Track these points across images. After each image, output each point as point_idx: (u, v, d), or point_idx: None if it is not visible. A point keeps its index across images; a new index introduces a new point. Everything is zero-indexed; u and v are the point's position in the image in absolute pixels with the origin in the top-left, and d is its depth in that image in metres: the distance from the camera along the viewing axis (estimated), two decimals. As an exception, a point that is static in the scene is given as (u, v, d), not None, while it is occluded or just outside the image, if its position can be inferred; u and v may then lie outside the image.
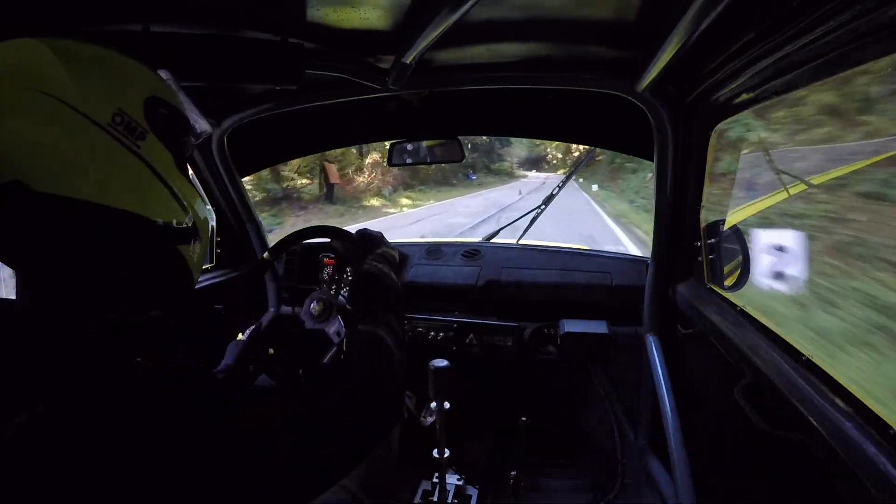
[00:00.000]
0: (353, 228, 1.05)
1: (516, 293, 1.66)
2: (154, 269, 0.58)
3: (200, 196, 0.64)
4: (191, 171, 1.55)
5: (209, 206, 1.73)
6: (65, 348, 0.44)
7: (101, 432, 0.40)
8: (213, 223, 0.59)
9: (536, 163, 49.21)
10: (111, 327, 0.51)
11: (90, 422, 0.40)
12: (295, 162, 12.77)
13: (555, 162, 45.67)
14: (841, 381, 0.73)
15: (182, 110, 0.63)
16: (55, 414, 0.39)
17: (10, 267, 0.52)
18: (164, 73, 0.68)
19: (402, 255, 0.96)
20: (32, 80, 0.49)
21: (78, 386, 0.41)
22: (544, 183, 26.56)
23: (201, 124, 0.75)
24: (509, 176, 37.65)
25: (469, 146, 25.68)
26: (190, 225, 0.60)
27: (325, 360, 1.02)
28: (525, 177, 40.13)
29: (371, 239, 0.95)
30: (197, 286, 1.13)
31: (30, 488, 0.37)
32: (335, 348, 1.04)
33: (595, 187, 20.32)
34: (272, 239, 1.80)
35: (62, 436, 0.39)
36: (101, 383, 0.42)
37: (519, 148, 43.83)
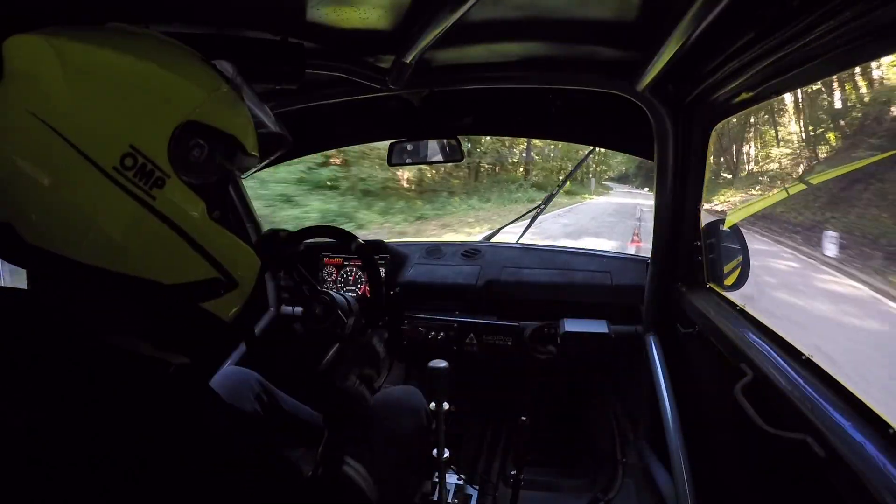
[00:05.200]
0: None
1: (516, 293, 1.66)
2: (172, 325, 0.49)
3: (241, 234, 0.52)
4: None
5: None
6: (64, 348, 0.43)
7: (101, 433, 0.39)
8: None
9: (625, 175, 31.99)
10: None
11: (89, 423, 0.39)
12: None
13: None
14: (841, 382, 0.73)
15: (229, 131, 0.48)
16: (53, 416, 0.38)
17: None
18: (227, 67, 0.54)
19: (399, 256, 0.96)
20: (30, 98, 0.40)
21: (77, 386, 0.40)
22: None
23: (272, 135, 0.60)
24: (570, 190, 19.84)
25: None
26: (222, 279, 0.49)
27: (324, 363, 1.01)
28: (608, 191, 24.68)
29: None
30: None
31: (30, 490, 0.36)
32: (335, 351, 1.04)
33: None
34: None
35: (60, 438, 0.38)
36: (101, 382, 0.41)
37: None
